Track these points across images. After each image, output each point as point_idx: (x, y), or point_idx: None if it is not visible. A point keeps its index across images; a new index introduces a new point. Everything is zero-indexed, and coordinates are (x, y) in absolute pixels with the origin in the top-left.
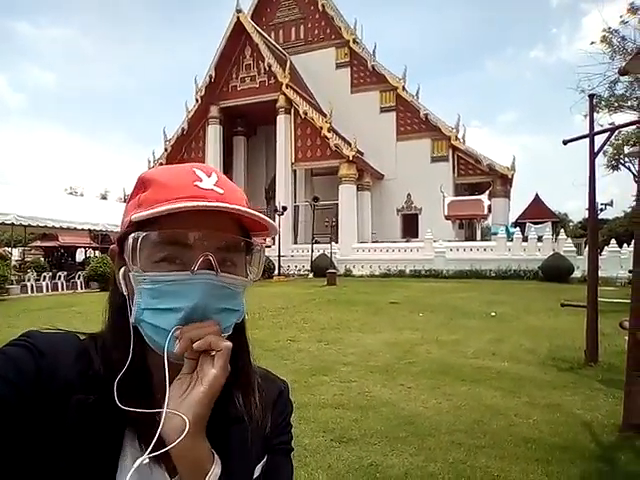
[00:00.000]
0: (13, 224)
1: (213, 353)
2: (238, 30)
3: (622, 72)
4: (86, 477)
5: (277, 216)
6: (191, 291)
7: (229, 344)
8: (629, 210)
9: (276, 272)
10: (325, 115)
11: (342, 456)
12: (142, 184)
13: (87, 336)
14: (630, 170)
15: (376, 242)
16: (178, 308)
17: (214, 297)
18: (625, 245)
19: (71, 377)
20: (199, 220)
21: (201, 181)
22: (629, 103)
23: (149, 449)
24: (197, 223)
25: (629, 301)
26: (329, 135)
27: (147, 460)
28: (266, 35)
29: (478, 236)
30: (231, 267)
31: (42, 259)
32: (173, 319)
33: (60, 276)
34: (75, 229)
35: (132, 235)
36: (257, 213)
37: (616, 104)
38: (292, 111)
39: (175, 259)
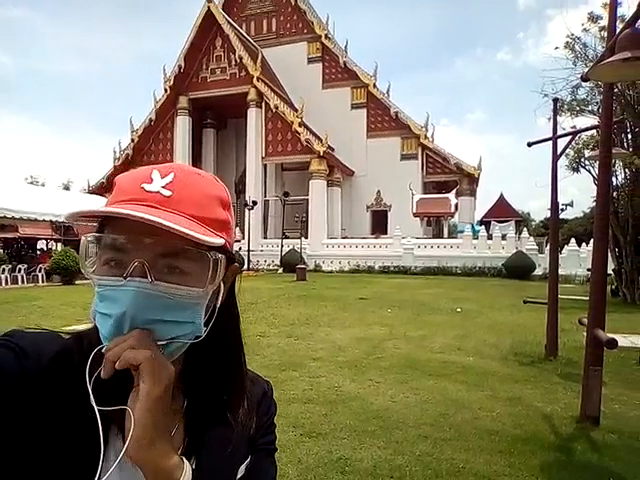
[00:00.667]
0: None
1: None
2: (209, 20)
3: (584, 78)
4: (70, 476)
5: (247, 210)
6: (122, 298)
7: (146, 354)
8: (588, 211)
9: (245, 267)
10: (296, 110)
11: (312, 450)
12: (113, 186)
13: (73, 335)
14: (590, 172)
15: (346, 238)
16: (110, 314)
17: (146, 306)
18: (584, 244)
19: (54, 377)
20: (141, 224)
21: (150, 182)
22: (590, 107)
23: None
24: (137, 228)
25: (587, 298)
26: (300, 130)
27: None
28: (237, 27)
29: (445, 233)
30: (178, 275)
31: (1, 251)
32: (108, 325)
33: (20, 269)
34: (36, 220)
35: (82, 238)
36: (178, 227)
37: (578, 108)
38: (263, 105)
39: (118, 263)
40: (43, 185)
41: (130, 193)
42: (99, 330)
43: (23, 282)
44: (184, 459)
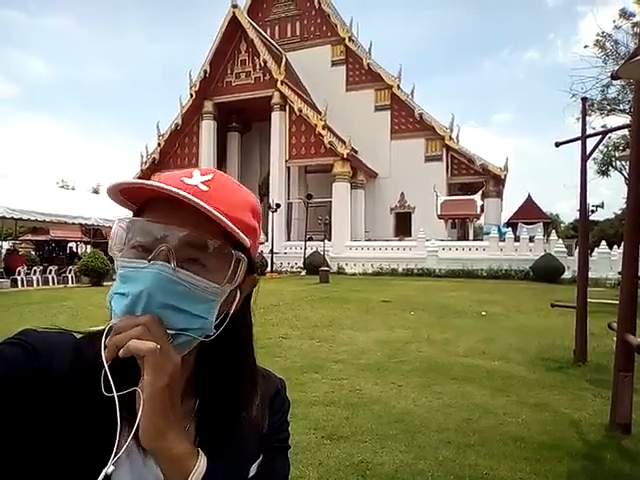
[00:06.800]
0: (4, 217)
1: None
2: (234, 25)
3: (614, 76)
4: (80, 471)
5: (270, 213)
6: (142, 279)
7: (151, 346)
8: (620, 212)
9: (269, 269)
10: (320, 112)
11: (333, 453)
12: None
13: (85, 335)
14: (621, 173)
15: (369, 240)
16: (127, 293)
17: (164, 290)
18: (615, 247)
19: (66, 376)
20: (175, 215)
21: (190, 177)
22: (621, 106)
23: (112, 455)
24: (172, 217)
25: (618, 302)
26: (324, 133)
27: (134, 453)
28: (262, 31)
29: (470, 236)
30: (199, 267)
31: (33, 253)
32: (123, 304)
33: (51, 270)
34: (66, 223)
35: (115, 222)
36: (215, 212)
37: (608, 107)
38: (287, 108)
39: (146, 249)
40: (73, 189)
41: (170, 184)
42: (113, 310)
43: (54, 283)
44: (199, 450)
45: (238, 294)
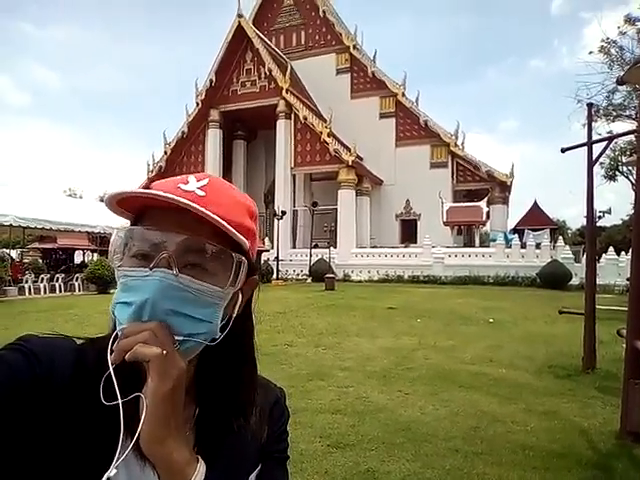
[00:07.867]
0: (12, 225)
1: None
2: (239, 34)
3: (620, 82)
4: (81, 477)
5: (276, 220)
6: (146, 287)
7: (156, 352)
8: (627, 218)
9: (274, 276)
10: (325, 120)
11: (339, 462)
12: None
13: (86, 340)
14: (628, 178)
15: (375, 247)
16: (131, 302)
17: (168, 297)
18: (623, 253)
19: (66, 382)
20: (172, 221)
21: (186, 184)
22: (627, 112)
23: (115, 459)
24: (169, 224)
25: (627, 309)
26: (329, 140)
27: (130, 460)
28: (267, 40)
29: (476, 242)
30: (201, 272)
31: (40, 261)
32: (126, 313)
33: (58, 278)
34: (73, 231)
35: (114, 232)
36: (213, 215)
37: (614, 113)
38: (292, 116)
39: (146, 256)
40: (81, 197)
41: (166, 191)
42: (117, 319)
43: (61, 291)
44: (199, 457)
45: (240, 297)
